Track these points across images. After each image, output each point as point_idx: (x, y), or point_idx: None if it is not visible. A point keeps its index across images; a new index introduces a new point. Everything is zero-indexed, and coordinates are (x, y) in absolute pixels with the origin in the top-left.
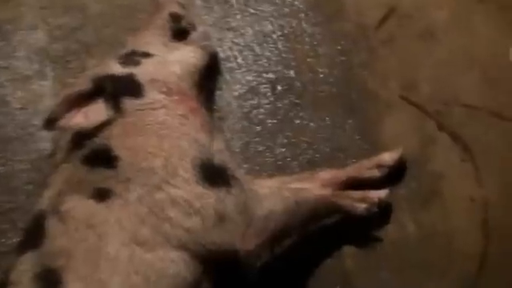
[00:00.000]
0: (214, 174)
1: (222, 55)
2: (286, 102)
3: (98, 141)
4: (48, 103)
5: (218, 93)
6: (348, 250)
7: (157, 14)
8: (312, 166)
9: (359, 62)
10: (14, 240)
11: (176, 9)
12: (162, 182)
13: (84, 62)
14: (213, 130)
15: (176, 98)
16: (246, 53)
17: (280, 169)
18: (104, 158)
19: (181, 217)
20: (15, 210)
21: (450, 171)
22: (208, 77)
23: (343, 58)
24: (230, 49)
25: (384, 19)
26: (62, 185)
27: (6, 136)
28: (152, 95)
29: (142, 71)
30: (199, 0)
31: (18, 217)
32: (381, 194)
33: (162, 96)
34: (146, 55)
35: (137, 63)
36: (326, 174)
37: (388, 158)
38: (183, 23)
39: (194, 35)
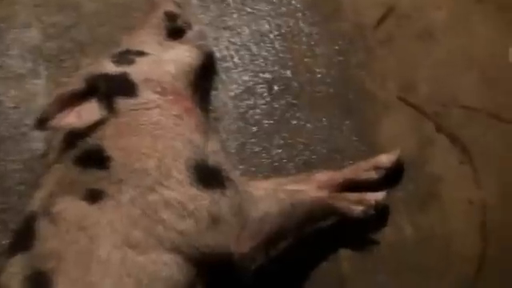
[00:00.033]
0: (208, 176)
1: (218, 55)
2: (282, 102)
3: (91, 141)
4: (41, 102)
5: (213, 93)
6: (344, 253)
7: (152, 13)
8: (308, 167)
9: (357, 63)
10: (5, 242)
11: (171, 7)
12: (155, 184)
13: (78, 61)
14: (208, 131)
15: (170, 97)
16: (242, 52)
17: (276, 170)
18: (96, 159)
19: (174, 219)
20: (7, 210)
21: (448, 173)
22: (204, 76)
23: (341, 58)
24: (227, 48)
25: (382, 19)
26: (54, 186)
27: None
28: (146, 95)
29: (136, 70)
30: None
31: (10, 218)
32: (378, 196)
33: (157, 96)
34: (141, 54)
35: (131, 62)
36: (323, 176)
37: (385, 159)
38: (179, 22)
39: (189, 34)
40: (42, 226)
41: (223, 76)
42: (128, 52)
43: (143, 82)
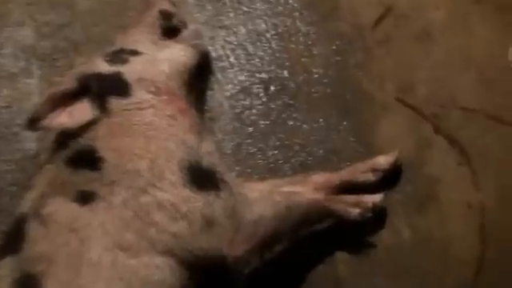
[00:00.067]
0: (202, 177)
1: (213, 54)
2: (279, 102)
3: (83, 141)
4: (34, 102)
5: (209, 93)
6: (341, 256)
7: (147, 12)
8: (305, 168)
9: (354, 63)
10: None
11: (167, 6)
12: (147, 185)
13: (72, 60)
14: (202, 132)
15: (164, 97)
16: (238, 52)
17: (272, 171)
18: (88, 160)
19: (167, 221)
20: None
21: (447, 175)
22: (199, 76)
23: (338, 58)
24: (223, 48)
25: (380, 19)
26: (45, 187)
27: None
28: (139, 95)
29: (130, 70)
30: None
31: (2, 219)
32: (375, 198)
33: (150, 96)
34: (135, 53)
35: (124, 61)
36: (319, 178)
37: (383, 161)
38: (174, 21)
39: (185, 33)
40: (32, 228)
41: (219, 76)
42: (122, 51)
43: (137, 82)
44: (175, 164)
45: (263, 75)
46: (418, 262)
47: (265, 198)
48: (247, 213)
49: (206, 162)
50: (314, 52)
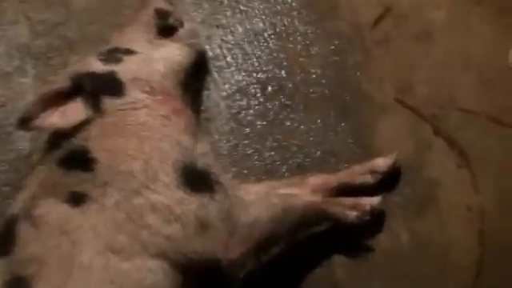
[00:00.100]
0: (196, 179)
1: (210, 53)
2: (276, 103)
3: (76, 142)
4: (28, 101)
5: (205, 93)
6: (338, 260)
7: (143, 10)
8: (302, 170)
9: (353, 63)
10: None
11: (162, 5)
12: (141, 187)
13: (67, 59)
14: (197, 132)
15: (159, 97)
16: (235, 51)
17: (269, 173)
18: (81, 161)
19: (160, 224)
20: None
21: (446, 178)
22: (195, 76)
23: (337, 59)
24: (219, 47)
25: (379, 19)
26: (37, 188)
27: None
28: (134, 94)
29: (124, 69)
30: None
31: None
32: (373, 201)
33: (145, 95)
34: (129, 52)
35: (118, 60)
36: (317, 180)
37: (382, 163)
38: (170, 20)
39: (181, 32)
40: (23, 230)
41: (215, 75)
42: (116, 50)
43: (131, 81)
44: (169, 165)
45: (260, 75)
46: (417, 266)
47: (261, 200)
48: (243, 215)
49: (201, 163)
50: (312, 52)
